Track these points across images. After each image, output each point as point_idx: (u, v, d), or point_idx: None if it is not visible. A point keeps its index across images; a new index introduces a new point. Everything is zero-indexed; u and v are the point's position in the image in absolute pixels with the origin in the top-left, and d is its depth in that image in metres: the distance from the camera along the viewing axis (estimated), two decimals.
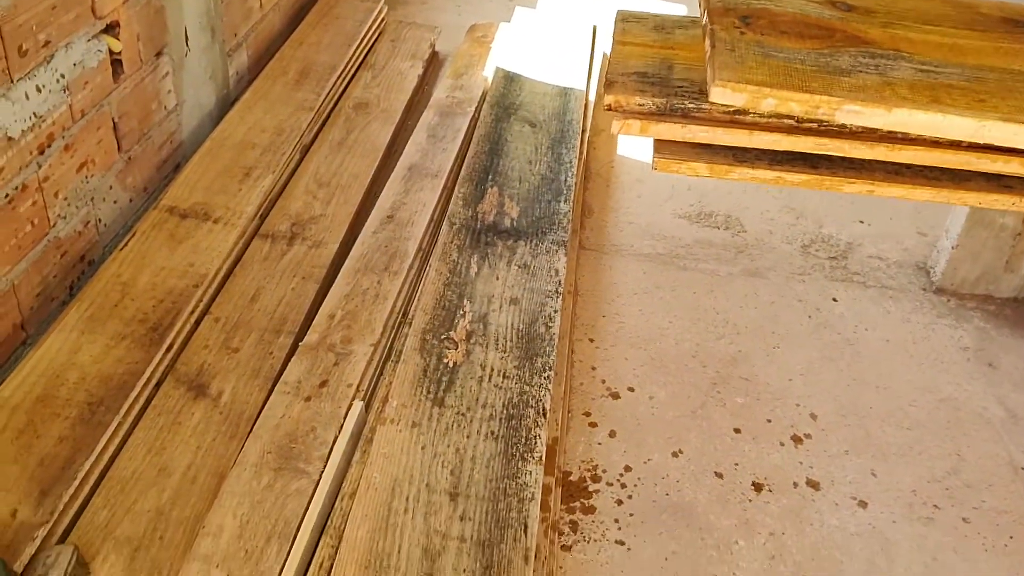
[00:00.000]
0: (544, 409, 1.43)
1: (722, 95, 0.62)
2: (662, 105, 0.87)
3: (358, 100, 2.32)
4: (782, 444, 1.61)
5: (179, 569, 1.18)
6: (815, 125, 0.78)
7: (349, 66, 2.41)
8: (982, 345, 1.89)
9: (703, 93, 0.88)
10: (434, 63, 2.71)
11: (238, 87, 2.21)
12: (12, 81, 1.38)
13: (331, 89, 2.27)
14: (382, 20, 2.71)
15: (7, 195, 1.41)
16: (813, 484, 1.54)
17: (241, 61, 2.24)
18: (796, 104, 0.59)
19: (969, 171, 0.75)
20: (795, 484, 1.54)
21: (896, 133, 0.73)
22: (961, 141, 0.68)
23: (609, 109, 0.84)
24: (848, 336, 1.86)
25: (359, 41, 2.50)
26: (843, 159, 0.81)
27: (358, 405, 1.43)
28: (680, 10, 3.25)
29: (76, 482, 1.25)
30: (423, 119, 2.25)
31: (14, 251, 1.45)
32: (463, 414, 1.40)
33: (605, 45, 2.77)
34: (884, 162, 0.78)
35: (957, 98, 0.59)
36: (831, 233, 2.18)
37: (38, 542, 1.17)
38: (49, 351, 1.43)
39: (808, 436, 1.63)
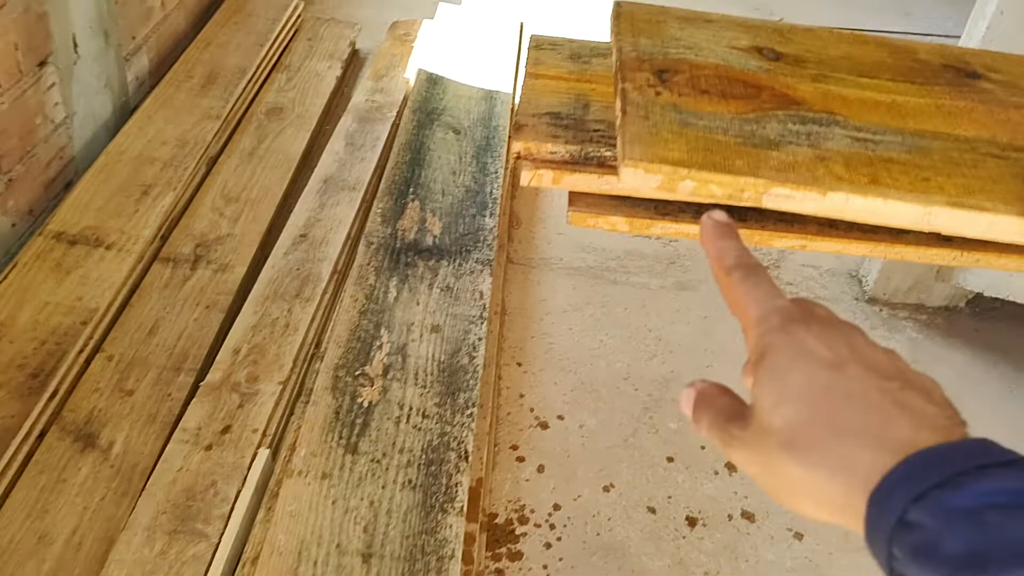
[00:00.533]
0: (466, 452, 1.34)
1: (634, 177, 0.53)
2: (576, 153, 0.78)
3: (271, 105, 2.19)
4: (716, 473, 1.55)
5: None
6: None
7: (261, 68, 2.27)
8: (915, 356, 1.85)
9: None
10: (354, 63, 2.57)
11: (138, 94, 2.05)
12: None
13: (241, 94, 2.13)
14: (298, 17, 2.56)
15: None
16: (748, 516, 1.48)
17: (141, 65, 2.08)
18: (717, 187, 0.51)
19: None
20: (730, 516, 1.48)
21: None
22: None
23: (518, 158, 0.74)
24: None
25: (272, 40, 2.35)
26: (773, 211, 0.73)
27: (264, 454, 1.32)
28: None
29: None
30: (340, 125, 2.13)
31: None
32: (378, 461, 1.30)
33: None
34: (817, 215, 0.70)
35: (898, 176, 0.51)
36: None
37: None
38: None
39: None
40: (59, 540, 1.20)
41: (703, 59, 0.63)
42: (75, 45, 1.75)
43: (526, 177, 0.79)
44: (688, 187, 0.53)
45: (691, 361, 1.76)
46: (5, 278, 1.50)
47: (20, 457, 1.28)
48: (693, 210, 0.79)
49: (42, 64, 1.66)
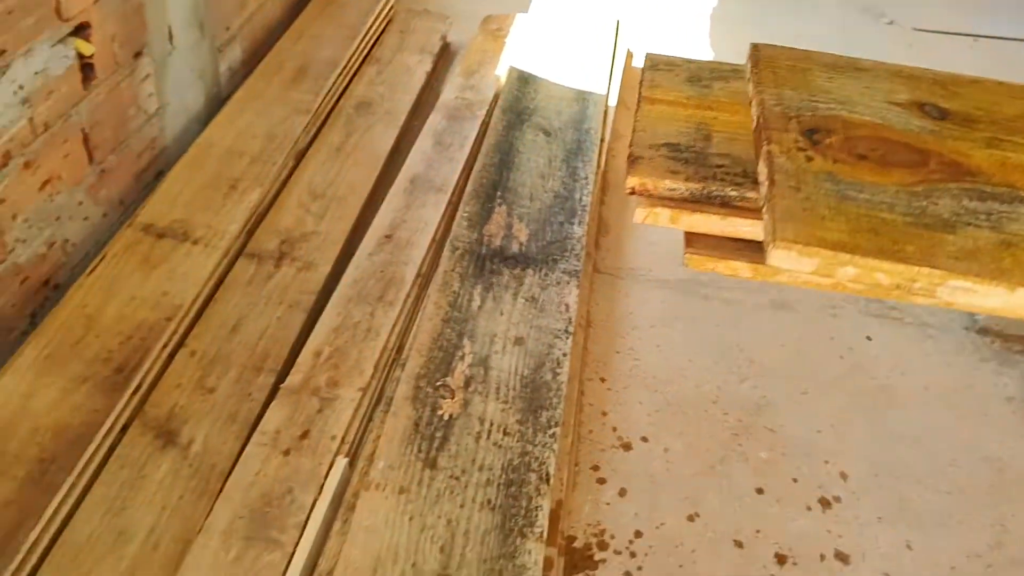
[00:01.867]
0: (548, 475, 1.28)
1: (785, 259, 0.46)
2: (697, 191, 0.71)
3: (360, 99, 2.16)
4: (809, 508, 1.46)
5: None
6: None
7: (352, 61, 2.25)
8: None
9: (747, 176, 0.72)
10: (445, 57, 2.54)
11: (230, 84, 2.05)
12: None
13: (331, 88, 2.11)
14: (391, 8, 2.53)
15: None
16: (842, 557, 1.39)
17: (234, 56, 2.08)
18: (885, 275, 0.44)
19: None
20: (822, 556, 1.39)
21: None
22: None
23: (632, 193, 0.68)
24: (882, 381, 1.71)
25: (364, 33, 2.33)
26: None
27: (341, 462, 1.29)
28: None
29: (20, 556, 1.12)
30: (429, 123, 2.09)
31: None
32: (457, 478, 1.26)
33: (628, 42, 2.59)
34: None
35: None
36: None
37: None
38: None
39: (837, 499, 1.48)
40: (136, 538, 1.19)
41: (858, 116, 0.56)
42: (170, 36, 1.75)
43: (640, 214, 0.73)
44: (849, 273, 0.46)
45: (784, 387, 1.67)
46: (94, 269, 1.51)
47: (102, 452, 1.28)
48: None
49: (137, 55, 1.66)
